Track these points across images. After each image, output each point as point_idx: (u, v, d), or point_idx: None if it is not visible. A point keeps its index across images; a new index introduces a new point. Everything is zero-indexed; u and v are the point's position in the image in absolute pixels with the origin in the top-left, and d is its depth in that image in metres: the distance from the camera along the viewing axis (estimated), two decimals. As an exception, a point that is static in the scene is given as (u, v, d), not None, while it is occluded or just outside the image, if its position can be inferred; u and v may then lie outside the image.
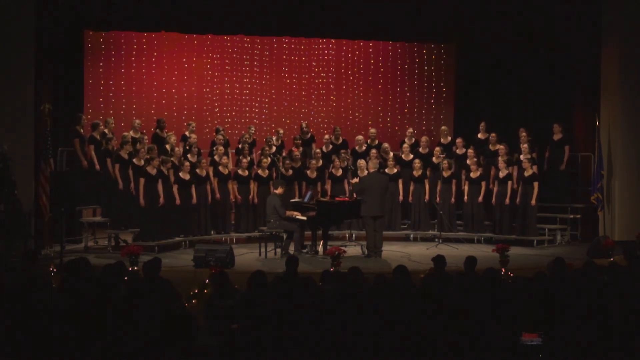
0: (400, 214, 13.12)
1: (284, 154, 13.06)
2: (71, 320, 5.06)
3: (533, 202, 12.21)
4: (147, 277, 6.71)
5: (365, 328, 5.14)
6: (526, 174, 12.28)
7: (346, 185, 12.81)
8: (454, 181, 12.80)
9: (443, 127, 13.91)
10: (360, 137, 13.63)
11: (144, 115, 13.96)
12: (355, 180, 11.80)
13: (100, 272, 6.38)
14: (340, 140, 13.61)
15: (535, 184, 12.21)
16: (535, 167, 12.41)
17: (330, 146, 13.44)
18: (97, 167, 11.71)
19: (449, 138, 13.54)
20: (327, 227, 11.58)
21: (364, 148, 13.38)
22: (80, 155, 11.77)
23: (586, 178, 13.06)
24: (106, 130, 12.15)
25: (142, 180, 11.30)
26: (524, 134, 12.89)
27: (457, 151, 13.20)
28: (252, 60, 15.02)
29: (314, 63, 15.32)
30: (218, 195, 12.19)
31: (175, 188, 11.64)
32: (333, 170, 12.91)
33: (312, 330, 5.09)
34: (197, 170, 11.99)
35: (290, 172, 12.61)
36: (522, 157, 12.40)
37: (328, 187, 12.85)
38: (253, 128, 13.57)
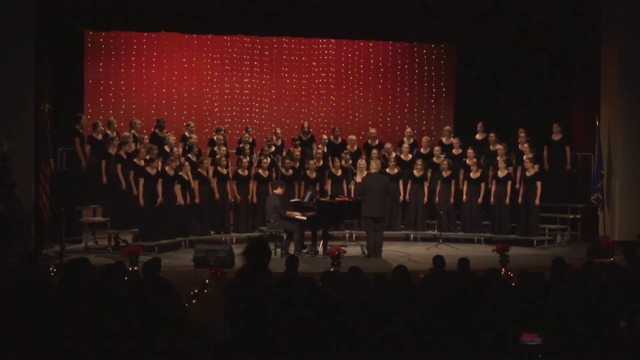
0: (401, 214, 13.13)
1: (284, 154, 13.06)
2: (71, 321, 5.06)
3: (537, 201, 12.21)
4: (147, 277, 6.71)
5: (365, 328, 5.14)
6: (528, 173, 12.28)
7: (344, 185, 12.81)
8: (453, 181, 12.81)
9: (447, 127, 13.91)
10: (352, 137, 13.62)
11: (144, 115, 13.97)
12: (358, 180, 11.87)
13: (100, 272, 6.37)
14: (340, 141, 13.62)
15: (538, 184, 12.22)
16: (536, 167, 12.42)
17: (326, 147, 13.43)
18: (84, 164, 11.72)
19: (452, 139, 13.54)
20: (327, 227, 11.58)
21: (355, 148, 13.38)
22: (80, 155, 11.80)
23: (586, 178, 13.06)
24: (109, 131, 12.16)
25: (141, 180, 11.31)
26: (522, 134, 12.90)
27: (454, 151, 13.21)
28: (252, 60, 15.03)
29: (314, 63, 15.32)
30: (217, 196, 12.19)
31: (178, 188, 11.63)
32: (333, 170, 12.91)
33: (312, 330, 5.09)
34: (199, 170, 12.00)
35: (291, 172, 12.61)
36: (524, 157, 12.40)
37: (328, 187, 12.86)
38: (251, 128, 13.56)
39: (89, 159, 11.92)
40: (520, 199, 12.35)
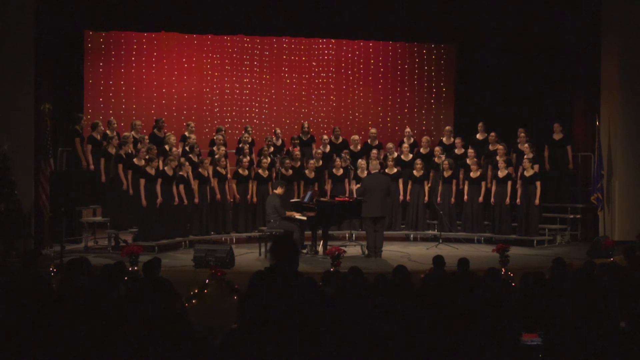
0: (401, 214, 13.14)
1: (283, 154, 13.06)
2: (71, 321, 5.06)
3: (537, 201, 12.21)
4: (147, 277, 6.72)
5: (365, 328, 5.14)
6: (527, 173, 12.28)
7: (346, 185, 12.83)
8: (454, 181, 12.81)
9: (447, 128, 13.91)
10: (355, 137, 13.63)
11: (144, 115, 13.97)
12: (359, 185, 11.86)
13: (100, 272, 6.38)
14: (340, 140, 13.62)
15: (538, 184, 12.22)
16: (536, 167, 12.42)
17: (328, 147, 13.45)
18: (92, 167, 11.73)
19: (452, 139, 13.54)
20: (327, 227, 11.58)
21: (359, 148, 13.40)
22: (81, 155, 11.81)
23: (586, 178, 13.06)
24: (108, 131, 12.17)
25: (142, 181, 11.30)
26: (522, 134, 12.90)
27: (456, 151, 13.22)
28: (252, 60, 15.03)
29: (314, 63, 15.32)
30: (219, 196, 12.20)
31: (182, 187, 11.63)
32: (334, 170, 12.91)
33: (312, 330, 5.09)
34: (200, 170, 12.00)
35: (290, 172, 12.62)
36: (524, 157, 12.40)
37: (328, 187, 12.87)
38: (250, 128, 13.56)
39: (89, 158, 11.92)
40: (518, 200, 12.34)
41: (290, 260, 4.97)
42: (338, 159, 12.99)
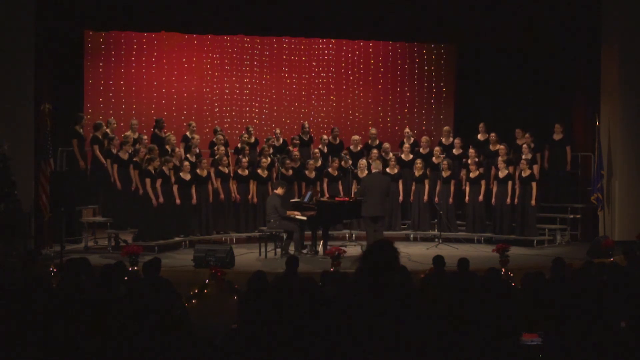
0: (401, 214, 13.13)
1: (283, 155, 13.06)
2: (71, 321, 5.06)
3: (533, 202, 12.20)
4: (147, 277, 6.72)
5: (365, 328, 5.14)
6: (524, 174, 12.27)
7: (340, 186, 12.81)
8: (453, 181, 12.80)
9: (446, 128, 13.90)
10: (356, 137, 13.63)
11: (144, 115, 13.97)
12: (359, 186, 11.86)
13: (100, 272, 6.38)
14: (338, 141, 13.62)
15: (534, 184, 12.20)
16: (535, 168, 12.41)
17: (326, 147, 13.43)
18: (105, 164, 11.73)
19: (451, 139, 13.53)
20: (327, 227, 11.58)
21: (359, 148, 13.40)
22: (78, 156, 11.79)
23: (586, 178, 13.06)
24: (108, 130, 12.17)
25: (148, 181, 11.30)
26: (526, 135, 12.87)
27: (454, 151, 13.21)
28: (252, 60, 15.02)
29: (314, 63, 15.32)
30: (222, 196, 12.20)
31: (175, 188, 11.65)
32: (330, 170, 12.91)
33: (312, 330, 5.09)
34: (198, 171, 12.00)
35: (290, 172, 12.62)
36: (522, 157, 12.40)
37: (325, 186, 12.86)
38: (251, 128, 13.55)
39: (89, 160, 11.91)
40: (516, 200, 12.33)
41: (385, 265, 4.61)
42: (337, 159, 12.99)
